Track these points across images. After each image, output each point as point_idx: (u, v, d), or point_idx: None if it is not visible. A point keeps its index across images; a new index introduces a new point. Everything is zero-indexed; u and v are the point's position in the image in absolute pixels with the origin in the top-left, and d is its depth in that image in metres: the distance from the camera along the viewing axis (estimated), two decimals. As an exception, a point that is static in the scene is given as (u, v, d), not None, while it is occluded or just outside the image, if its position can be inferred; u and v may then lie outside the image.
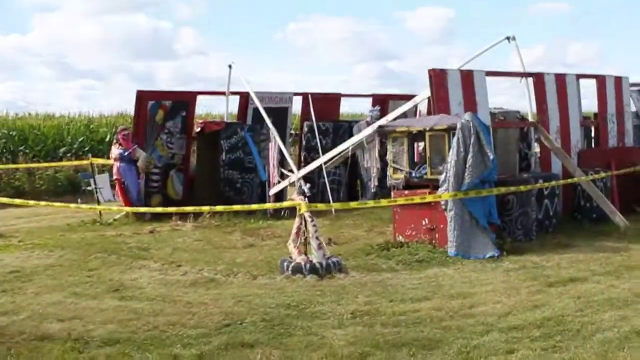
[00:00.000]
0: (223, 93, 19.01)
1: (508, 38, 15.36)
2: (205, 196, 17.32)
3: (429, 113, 16.33)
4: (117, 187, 17.53)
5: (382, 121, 14.77)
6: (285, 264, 10.99)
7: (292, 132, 21.40)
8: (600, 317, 8.20)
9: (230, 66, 18.59)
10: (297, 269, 10.80)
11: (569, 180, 14.32)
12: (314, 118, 19.00)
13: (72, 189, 23.54)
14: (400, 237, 13.05)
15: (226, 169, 17.72)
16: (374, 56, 68.88)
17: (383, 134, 13.76)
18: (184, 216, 15.79)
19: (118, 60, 62.86)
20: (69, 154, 25.52)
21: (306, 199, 11.79)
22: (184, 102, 18.06)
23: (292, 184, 16.60)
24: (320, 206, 12.22)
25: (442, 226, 12.46)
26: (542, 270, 10.77)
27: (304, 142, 19.70)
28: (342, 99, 21.99)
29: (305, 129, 19.56)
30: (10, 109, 32.22)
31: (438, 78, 13.64)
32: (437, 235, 12.61)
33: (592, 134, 17.80)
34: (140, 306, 9.24)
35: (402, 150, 13.29)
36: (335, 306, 9.09)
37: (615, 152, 16.38)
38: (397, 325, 8.22)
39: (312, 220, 11.20)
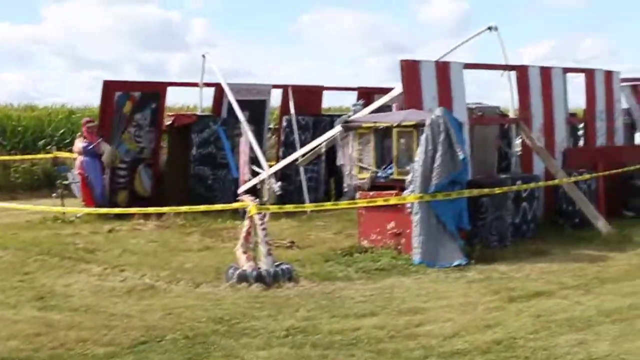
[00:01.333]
0: (196, 84, 18.15)
1: (490, 28, 14.53)
2: (175, 193, 16.57)
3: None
4: (79, 182, 16.71)
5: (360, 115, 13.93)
6: (230, 271, 10.14)
7: (271, 126, 20.51)
8: (555, 342, 7.31)
9: (204, 56, 17.78)
10: (243, 277, 9.94)
11: (548, 183, 13.41)
12: (293, 112, 18.22)
13: (49, 182, 22.74)
14: (365, 241, 12.18)
15: (197, 164, 16.96)
16: (387, 49, 67.79)
17: (348, 129, 12.83)
18: (147, 215, 14.97)
19: (127, 51, 62.11)
20: (48, 147, 24.67)
21: (255, 199, 10.92)
22: (154, 93, 17.24)
23: (262, 182, 15.78)
24: (272, 208, 11.38)
25: (408, 231, 11.56)
26: (507, 282, 9.89)
27: (282, 138, 18.83)
28: (327, 92, 21.16)
29: (284, 123, 18.71)
30: (22, 100, 31.22)
31: (410, 70, 12.77)
32: (403, 241, 11.72)
33: (582, 132, 16.89)
34: (58, 318, 8.44)
35: (369, 147, 12.40)
36: (270, 322, 8.25)
37: (603, 151, 15.43)
38: (329, 346, 7.37)
39: (262, 224, 10.36)
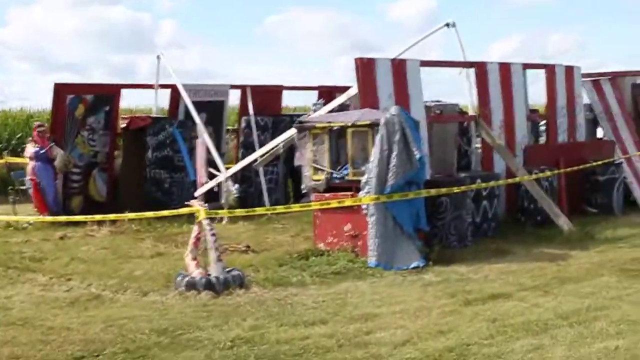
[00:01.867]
0: (152, 86, 17.74)
1: (448, 24, 14.25)
2: (131, 197, 16.12)
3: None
4: (32, 189, 16.21)
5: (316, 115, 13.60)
6: (179, 278, 9.77)
7: (230, 127, 20.13)
8: (510, 347, 7.01)
9: (158, 57, 17.41)
10: (192, 285, 9.57)
11: (509, 181, 13.15)
12: (251, 112, 17.88)
13: (5, 188, 22.19)
14: (321, 244, 11.84)
15: (152, 167, 16.52)
16: (356, 48, 67.86)
17: (302, 130, 12.48)
18: (100, 220, 14.52)
19: (96, 53, 61.49)
20: (5, 151, 24.10)
21: (203, 204, 10.54)
22: (107, 96, 16.83)
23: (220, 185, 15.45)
24: (223, 212, 11.02)
25: (365, 233, 11.25)
26: (464, 285, 9.60)
27: (241, 139, 18.47)
28: (293, 91, 20.97)
29: (243, 124, 18.36)
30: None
31: (365, 68, 12.46)
32: (360, 243, 11.40)
33: (545, 128, 16.66)
34: (-7, 333, 8.02)
35: (323, 148, 12.05)
36: (216, 332, 7.88)
37: (564, 148, 15.21)
38: (275, 357, 7.04)
39: (211, 229, 9.99)
